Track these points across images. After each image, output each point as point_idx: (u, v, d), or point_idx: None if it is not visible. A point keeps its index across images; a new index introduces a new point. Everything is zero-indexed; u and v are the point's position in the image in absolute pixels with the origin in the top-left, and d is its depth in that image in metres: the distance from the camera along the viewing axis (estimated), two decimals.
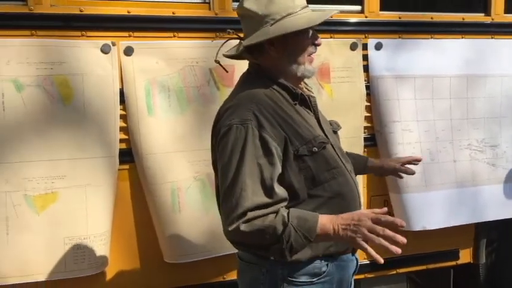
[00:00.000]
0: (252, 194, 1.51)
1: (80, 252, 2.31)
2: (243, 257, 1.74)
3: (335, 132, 1.87)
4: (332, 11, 1.73)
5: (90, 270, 2.35)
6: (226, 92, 2.53)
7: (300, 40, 1.67)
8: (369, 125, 2.85)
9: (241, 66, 2.54)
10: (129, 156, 2.43)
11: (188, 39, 2.47)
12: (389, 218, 1.47)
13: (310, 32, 1.68)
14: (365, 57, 2.79)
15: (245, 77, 1.77)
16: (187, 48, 2.46)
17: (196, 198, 2.50)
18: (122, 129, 2.40)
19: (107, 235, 2.38)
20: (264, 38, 1.63)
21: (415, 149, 2.87)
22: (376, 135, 2.86)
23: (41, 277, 2.29)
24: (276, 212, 1.52)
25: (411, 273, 3.15)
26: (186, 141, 2.48)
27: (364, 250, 1.49)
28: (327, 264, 1.67)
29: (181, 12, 2.46)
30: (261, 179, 1.53)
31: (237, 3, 2.50)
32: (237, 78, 2.50)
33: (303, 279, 1.65)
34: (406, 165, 2.13)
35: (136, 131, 2.40)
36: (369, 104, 2.83)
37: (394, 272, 3.03)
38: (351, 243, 1.55)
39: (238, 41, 1.81)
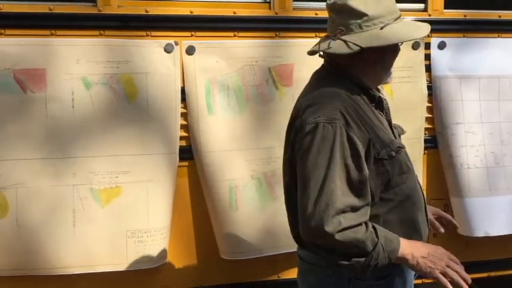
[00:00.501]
0: (342, 195, 1.49)
1: (141, 245, 2.39)
2: (306, 257, 1.72)
3: (399, 136, 1.83)
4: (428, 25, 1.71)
5: (150, 263, 2.42)
6: (285, 91, 2.56)
7: (397, 47, 1.67)
8: (430, 126, 2.78)
9: (300, 65, 2.56)
10: (189, 153, 2.48)
11: (248, 39, 2.49)
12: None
13: None
14: (427, 57, 2.72)
15: (321, 73, 1.73)
16: (247, 48, 2.49)
17: (252, 197, 2.52)
18: (182, 126, 2.45)
19: (166, 230, 2.44)
20: (385, 42, 1.58)
21: (479, 151, 2.77)
22: (437, 137, 2.78)
23: (104, 268, 2.37)
24: (365, 223, 1.51)
25: (471, 280, 3.05)
26: (244, 139, 2.51)
27: (443, 283, 1.54)
28: (394, 265, 1.64)
29: (242, 12, 2.49)
30: (349, 181, 1.51)
31: (298, 3, 2.56)
32: (296, 77, 2.56)
33: (370, 281, 1.62)
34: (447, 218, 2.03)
35: (196, 128, 2.44)
36: (430, 104, 2.76)
37: None
38: (427, 274, 1.57)
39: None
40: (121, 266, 2.39)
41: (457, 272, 1.56)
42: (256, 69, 2.51)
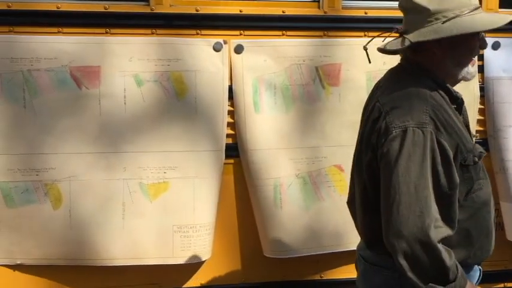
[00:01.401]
0: (434, 203, 1.45)
1: (186, 240, 2.43)
2: (370, 258, 1.67)
3: None
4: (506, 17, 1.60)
5: (195, 258, 2.46)
6: (331, 90, 2.55)
7: (470, 42, 1.57)
8: (481, 128, 2.70)
9: (348, 65, 2.54)
10: (235, 151, 2.50)
11: (296, 38, 2.50)
12: None
13: (481, 34, 1.58)
14: (480, 57, 2.64)
15: (400, 72, 1.65)
16: (295, 47, 2.49)
17: (297, 196, 2.53)
18: (228, 124, 2.48)
19: (211, 226, 2.48)
20: (437, 36, 1.52)
21: None
22: (488, 140, 2.70)
23: (150, 261, 2.43)
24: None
25: None
26: (289, 138, 2.52)
27: None
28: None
29: (291, 11, 2.49)
30: (440, 188, 1.46)
31: (347, 2, 2.54)
32: (343, 77, 2.54)
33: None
34: None
35: (242, 126, 2.47)
36: (482, 106, 2.68)
37: (502, 286, 2.85)
38: None
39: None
40: (167, 259, 2.44)
41: None
42: (304, 69, 2.50)
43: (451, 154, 1.48)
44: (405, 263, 1.46)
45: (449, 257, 1.45)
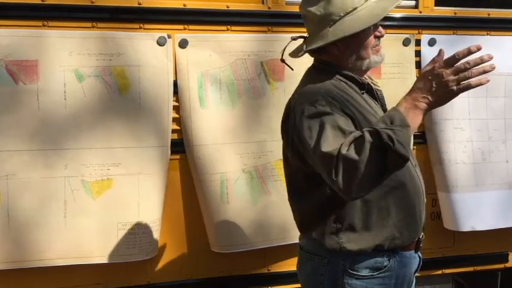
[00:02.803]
0: (337, 143, 1.47)
1: (131, 237, 2.39)
2: (305, 247, 1.76)
3: None
4: (392, 3, 1.67)
5: (141, 255, 2.43)
6: (276, 85, 2.58)
7: (362, 37, 1.67)
8: None
9: (292, 60, 2.56)
10: (181, 146, 2.48)
11: (241, 33, 2.51)
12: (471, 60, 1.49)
13: (372, 26, 1.67)
14: (418, 54, 2.75)
15: (310, 71, 1.79)
16: (239, 42, 2.50)
17: (244, 190, 2.54)
18: (174, 120, 2.46)
19: (157, 222, 2.45)
20: (323, 42, 1.65)
21: (467, 147, 2.81)
22: (426, 132, 2.81)
23: (94, 260, 2.38)
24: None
25: (457, 274, 3.10)
26: (236, 133, 2.52)
27: (467, 88, 1.50)
28: (389, 259, 1.67)
29: (235, 6, 2.49)
30: (343, 133, 1.50)
31: None
32: (287, 72, 2.57)
33: (364, 272, 1.65)
34: None
35: (188, 122, 2.45)
36: None
37: (440, 272, 2.98)
38: (449, 98, 1.52)
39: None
40: (112, 258, 2.39)
41: (471, 74, 1.48)
42: (249, 64, 2.52)
43: (345, 117, 1.56)
44: (367, 184, 1.46)
45: (355, 154, 1.43)
